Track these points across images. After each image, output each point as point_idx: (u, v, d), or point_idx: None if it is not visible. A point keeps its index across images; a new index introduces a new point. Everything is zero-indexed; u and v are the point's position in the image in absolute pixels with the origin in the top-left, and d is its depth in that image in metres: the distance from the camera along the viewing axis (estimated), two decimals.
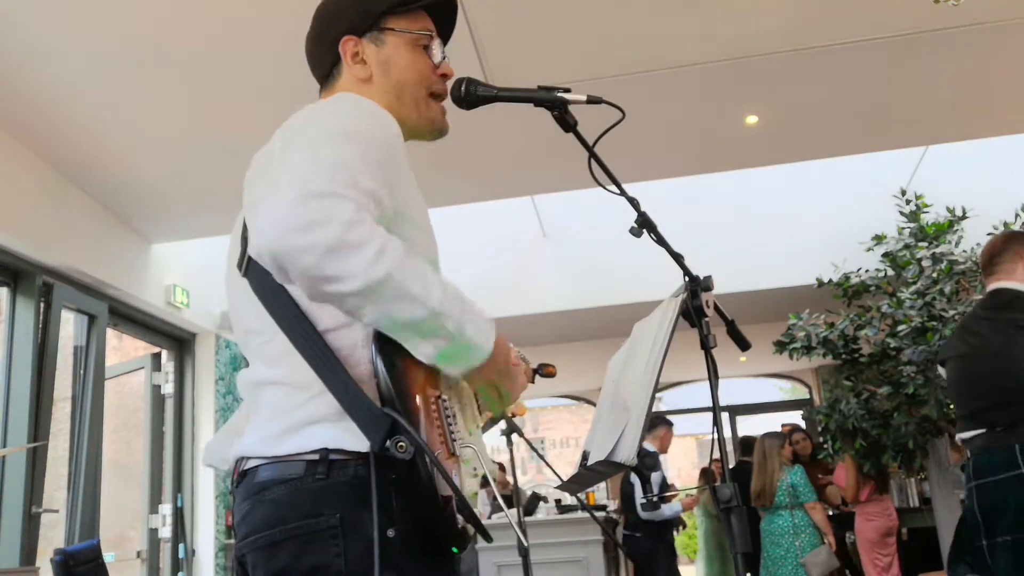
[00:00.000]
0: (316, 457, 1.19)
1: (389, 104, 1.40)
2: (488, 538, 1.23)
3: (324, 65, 1.46)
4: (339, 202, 1.07)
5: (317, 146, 1.16)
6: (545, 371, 1.87)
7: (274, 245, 1.07)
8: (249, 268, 1.28)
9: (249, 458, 1.26)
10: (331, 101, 1.32)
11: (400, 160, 1.27)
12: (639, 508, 5.40)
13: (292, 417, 1.22)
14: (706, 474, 8.21)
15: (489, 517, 6.30)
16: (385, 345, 1.18)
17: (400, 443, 1.11)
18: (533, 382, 1.61)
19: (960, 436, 2.82)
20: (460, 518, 1.23)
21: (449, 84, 1.49)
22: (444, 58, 1.48)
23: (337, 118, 1.23)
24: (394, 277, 1.09)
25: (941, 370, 3.08)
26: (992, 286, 2.90)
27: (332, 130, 1.19)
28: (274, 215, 1.07)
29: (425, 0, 1.45)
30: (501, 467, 7.55)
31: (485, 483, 1.37)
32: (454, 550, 1.24)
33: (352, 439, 1.18)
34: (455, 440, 1.25)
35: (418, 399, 1.19)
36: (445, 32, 1.53)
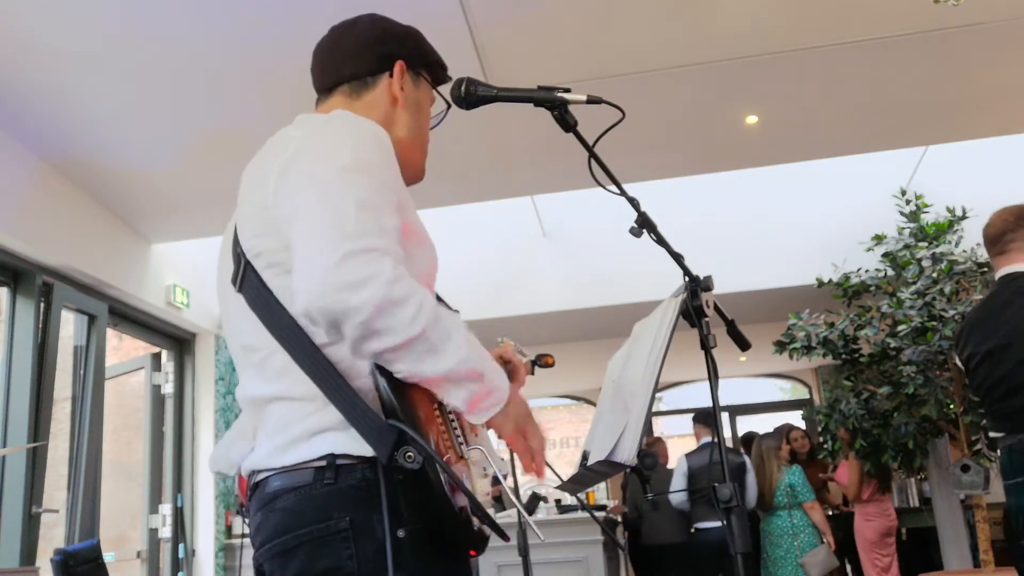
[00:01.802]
0: (323, 463, 1.20)
1: (400, 138, 1.44)
2: (505, 537, 1.25)
3: (359, 66, 1.46)
4: (379, 258, 1.11)
5: (335, 187, 1.17)
6: (544, 362, 1.87)
7: (325, 304, 1.10)
8: (243, 283, 1.27)
9: (260, 471, 1.27)
10: (328, 123, 1.30)
11: (399, 174, 1.29)
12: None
13: (299, 428, 1.23)
14: None
15: None
16: None
17: (408, 453, 1.12)
18: (532, 373, 1.61)
19: (995, 435, 2.66)
20: (475, 520, 1.24)
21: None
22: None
23: (343, 147, 1.23)
24: (427, 334, 1.13)
25: (957, 361, 2.84)
26: (1005, 269, 2.65)
27: (342, 165, 1.20)
28: (317, 275, 1.11)
29: (445, 79, 1.55)
30: None
31: (497, 482, 1.38)
32: (472, 552, 1.25)
33: (358, 444, 1.18)
34: (461, 443, 1.25)
35: (421, 407, 1.20)
36: None
